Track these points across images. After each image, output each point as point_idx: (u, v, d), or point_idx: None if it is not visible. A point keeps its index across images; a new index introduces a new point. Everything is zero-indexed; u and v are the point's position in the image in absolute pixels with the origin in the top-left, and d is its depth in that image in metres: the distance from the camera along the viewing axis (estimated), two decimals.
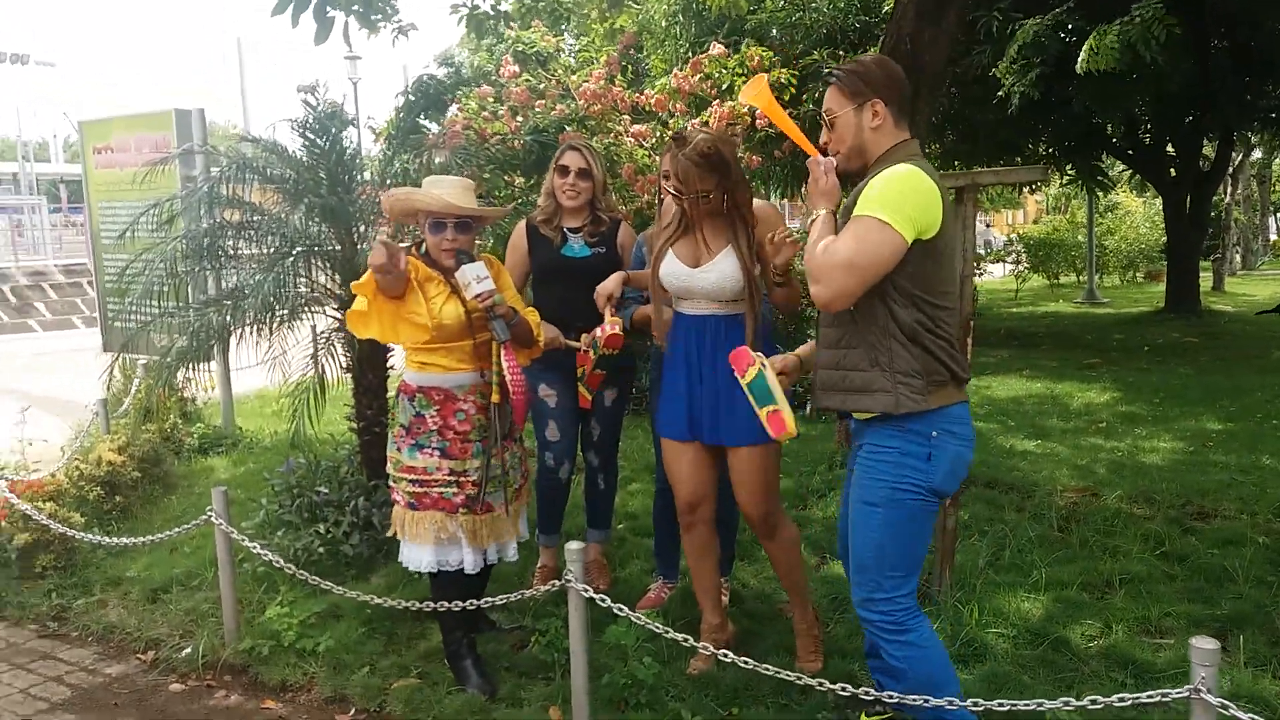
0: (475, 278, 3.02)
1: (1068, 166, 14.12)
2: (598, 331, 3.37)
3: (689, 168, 2.91)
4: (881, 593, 2.46)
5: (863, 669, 3.08)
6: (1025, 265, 20.03)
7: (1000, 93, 8.01)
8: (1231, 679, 2.99)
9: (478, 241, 3.57)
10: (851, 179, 2.58)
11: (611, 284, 3.37)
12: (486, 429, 3.23)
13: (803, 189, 13.42)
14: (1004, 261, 20.64)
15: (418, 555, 3.22)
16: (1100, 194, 16.39)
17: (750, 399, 2.66)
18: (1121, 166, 16.41)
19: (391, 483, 3.31)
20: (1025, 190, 20.87)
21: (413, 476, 3.21)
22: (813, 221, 2.50)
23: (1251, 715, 1.94)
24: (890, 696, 2.43)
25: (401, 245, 3.21)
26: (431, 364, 3.19)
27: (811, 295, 2.38)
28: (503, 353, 3.11)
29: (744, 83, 7.10)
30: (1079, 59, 6.70)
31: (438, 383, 3.19)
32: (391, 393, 3.79)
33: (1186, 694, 2.02)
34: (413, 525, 3.22)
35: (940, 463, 2.42)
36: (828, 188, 2.47)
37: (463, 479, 3.20)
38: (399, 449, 3.24)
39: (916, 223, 2.32)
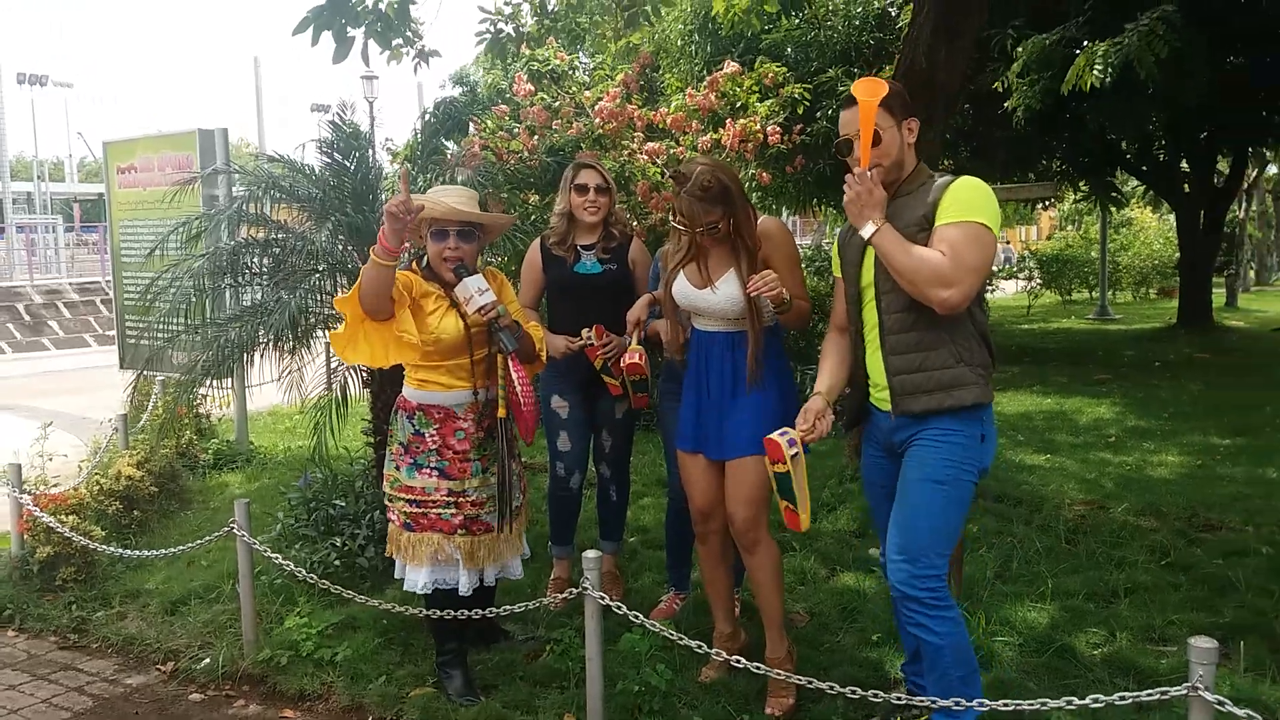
0: (477, 290, 3.01)
1: (1081, 183, 14.17)
2: (621, 360, 3.42)
3: (693, 204, 2.96)
4: (931, 569, 2.57)
5: (870, 677, 3.14)
6: (1038, 281, 20.02)
7: (1007, 104, 8.09)
8: (1232, 684, 3.03)
9: (488, 260, 3.60)
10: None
11: (639, 309, 3.44)
12: (486, 447, 3.23)
13: (814, 206, 13.51)
14: (1016, 278, 20.63)
15: (414, 576, 3.23)
16: (1114, 210, 16.42)
17: (773, 485, 2.81)
18: (1135, 182, 16.44)
19: (388, 501, 3.31)
20: (1039, 206, 20.90)
21: (410, 497, 3.21)
22: (855, 234, 2.62)
23: (1248, 712, 1.99)
24: (933, 702, 2.48)
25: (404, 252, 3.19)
26: (431, 381, 3.18)
27: (936, 300, 2.47)
28: (511, 365, 3.10)
29: (758, 100, 7.24)
30: (1066, 76, 6.77)
31: (438, 401, 3.19)
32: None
33: (1185, 692, 2.07)
34: (409, 546, 3.22)
35: (989, 444, 2.66)
36: (879, 198, 2.56)
37: (461, 499, 3.21)
38: (397, 468, 3.24)
39: (999, 226, 2.54)
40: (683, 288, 3.15)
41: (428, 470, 3.20)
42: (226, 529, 3.70)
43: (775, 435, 2.75)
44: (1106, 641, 3.46)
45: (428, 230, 3.15)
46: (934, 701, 2.46)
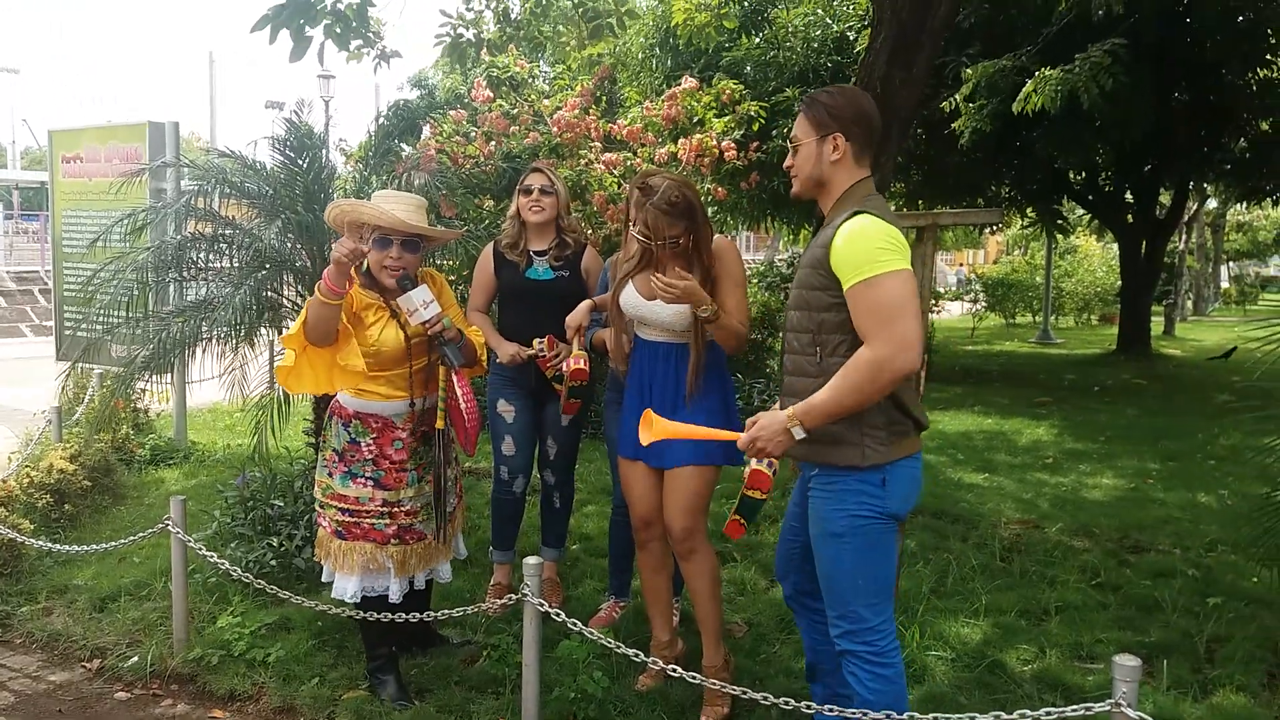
0: (422, 303, 2.95)
1: (1029, 209, 14.48)
2: (564, 364, 3.42)
3: (658, 217, 2.97)
4: (861, 623, 2.46)
5: (805, 688, 3.16)
6: (983, 304, 20.40)
7: (954, 125, 8.24)
8: (1155, 701, 3.11)
9: (437, 263, 3.57)
10: (803, 204, 2.66)
11: (580, 314, 3.43)
12: (422, 456, 3.19)
13: (768, 222, 13.64)
14: (962, 300, 21.00)
15: (343, 584, 3.17)
16: (1059, 237, 16.80)
17: (736, 503, 2.75)
18: (1081, 211, 16.81)
19: (319, 507, 3.25)
20: (987, 231, 21.31)
21: (343, 505, 3.15)
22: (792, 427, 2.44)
23: None
24: (837, 712, 2.49)
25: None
26: (370, 391, 3.11)
27: (903, 376, 2.32)
28: (455, 378, 3.07)
29: (715, 116, 7.31)
30: (1015, 100, 6.93)
31: (376, 410, 3.12)
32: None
33: (1108, 708, 2.12)
34: (340, 555, 3.16)
35: (895, 488, 2.44)
36: (775, 426, 2.41)
37: (396, 509, 3.16)
38: (330, 474, 3.18)
39: (902, 255, 2.37)
40: (631, 297, 3.17)
41: (362, 480, 3.14)
42: (161, 525, 3.64)
43: (763, 467, 2.69)
44: (1036, 658, 3.53)
45: (369, 236, 3.05)
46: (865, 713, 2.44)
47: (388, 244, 3.04)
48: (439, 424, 3.17)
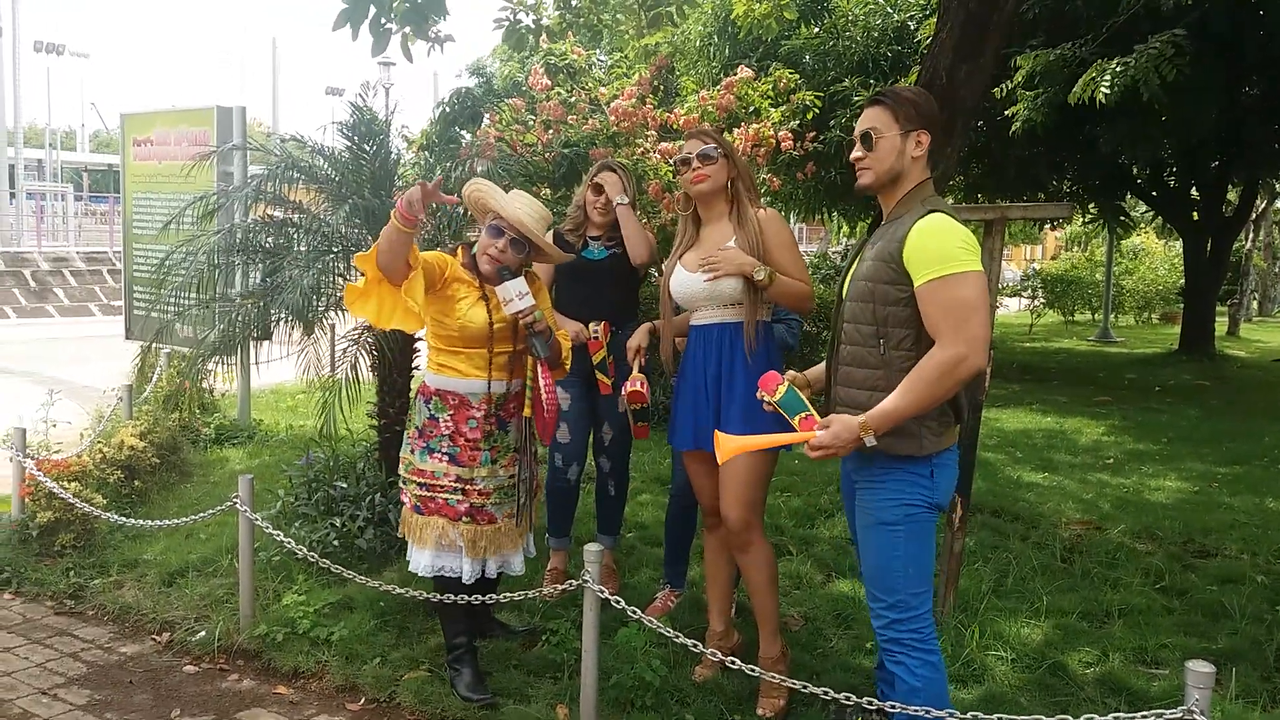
0: (517, 294, 3.03)
1: (1091, 205, 14.20)
2: (624, 386, 3.40)
3: (694, 138, 3.14)
4: (910, 610, 2.52)
5: (863, 683, 3.15)
6: (1041, 301, 20.06)
7: (1007, 112, 8.10)
8: (1223, 710, 3.05)
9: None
10: (863, 197, 2.63)
11: (640, 336, 3.48)
12: (497, 439, 3.26)
13: (823, 213, 13.53)
14: (1020, 296, 20.67)
15: (418, 558, 3.26)
16: (1121, 233, 16.44)
17: (782, 413, 2.63)
18: (1144, 207, 16.44)
19: (402, 484, 3.35)
20: (1046, 226, 20.92)
21: (421, 480, 3.24)
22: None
23: None
24: (893, 707, 2.50)
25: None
26: (449, 367, 3.21)
27: (973, 370, 2.35)
28: (539, 370, 3.14)
29: (771, 105, 7.26)
30: (1072, 91, 6.79)
31: (454, 387, 3.21)
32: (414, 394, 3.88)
33: (1180, 715, 2.09)
34: (417, 529, 3.26)
35: (941, 480, 2.53)
36: (849, 436, 2.41)
37: (468, 487, 3.22)
38: (411, 450, 3.28)
39: (975, 253, 2.41)
40: (680, 276, 3.18)
41: (438, 455, 3.23)
42: (229, 503, 3.72)
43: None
44: (1099, 661, 3.48)
45: (488, 222, 3.19)
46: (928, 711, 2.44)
47: (499, 234, 3.16)
48: (526, 411, 3.24)
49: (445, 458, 3.23)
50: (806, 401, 2.59)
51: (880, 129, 2.52)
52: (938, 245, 2.38)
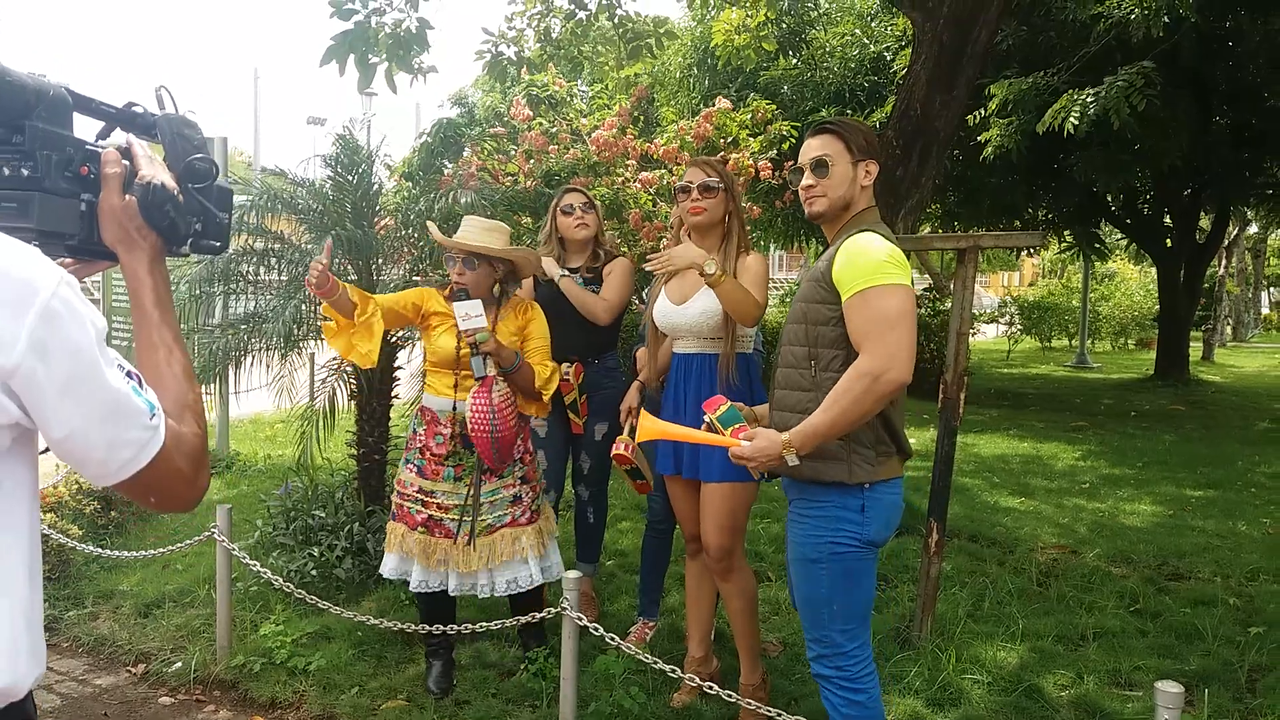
0: (463, 315, 3.17)
1: (1066, 232, 14.39)
2: (613, 449, 3.41)
3: (698, 166, 3.15)
4: (835, 648, 2.47)
5: None
6: (1018, 327, 20.27)
7: (980, 137, 8.23)
8: None
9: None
10: (808, 226, 2.61)
11: (631, 397, 3.56)
12: (463, 459, 3.37)
13: (801, 240, 13.66)
14: (998, 322, 20.88)
15: (386, 560, 3.48)
16: (1097, 260, 16.66)
17: (718, 428, 2.58)
18: (1119, 234, 16.68)
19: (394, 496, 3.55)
20: (1023, 253, 21.16)
21: (399, 488, 3.47)
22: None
23: None
24: None
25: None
26: (430, 385, 3.44)
27: (895, 383, 2.29)
28: (480, 389, 3.21)
29: (749, 135, 7.36)
30: (1041, 120, 6.92)
31: (429, 403, 3.42)
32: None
33: None
34: (388, 532, 3.49)
35: (874, 515, 2.43)
36: (771, 450, 2.38)
37: (428, 499, 3.39)
38: (400, 463, 3.51)
39: (901, 268, 2.39)
40: (662, 305, 3.21)
41: (410, 466, 3.44)
42: (206, 534, 3.71)
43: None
44: (1074, 684, 3.50)
45: (445, 255, 3.43)
46: None
47: (452, 261, 3.37)
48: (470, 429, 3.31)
49: (415, 469, 3.44)
50: (744, 419, 2.58)
51: (833, 156, 2.52)
52: (864, 261, 2.36)
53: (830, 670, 2.47)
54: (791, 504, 2.57)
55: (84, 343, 1.02)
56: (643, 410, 2.76)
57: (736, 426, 2.51)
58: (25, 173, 1.14)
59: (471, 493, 3.35)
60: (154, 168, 1.27)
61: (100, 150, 1.24)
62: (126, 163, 1.26)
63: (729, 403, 2.60)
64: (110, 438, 1.05)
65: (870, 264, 2.35)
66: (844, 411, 2.30)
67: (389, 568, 3.45)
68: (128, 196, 1.24)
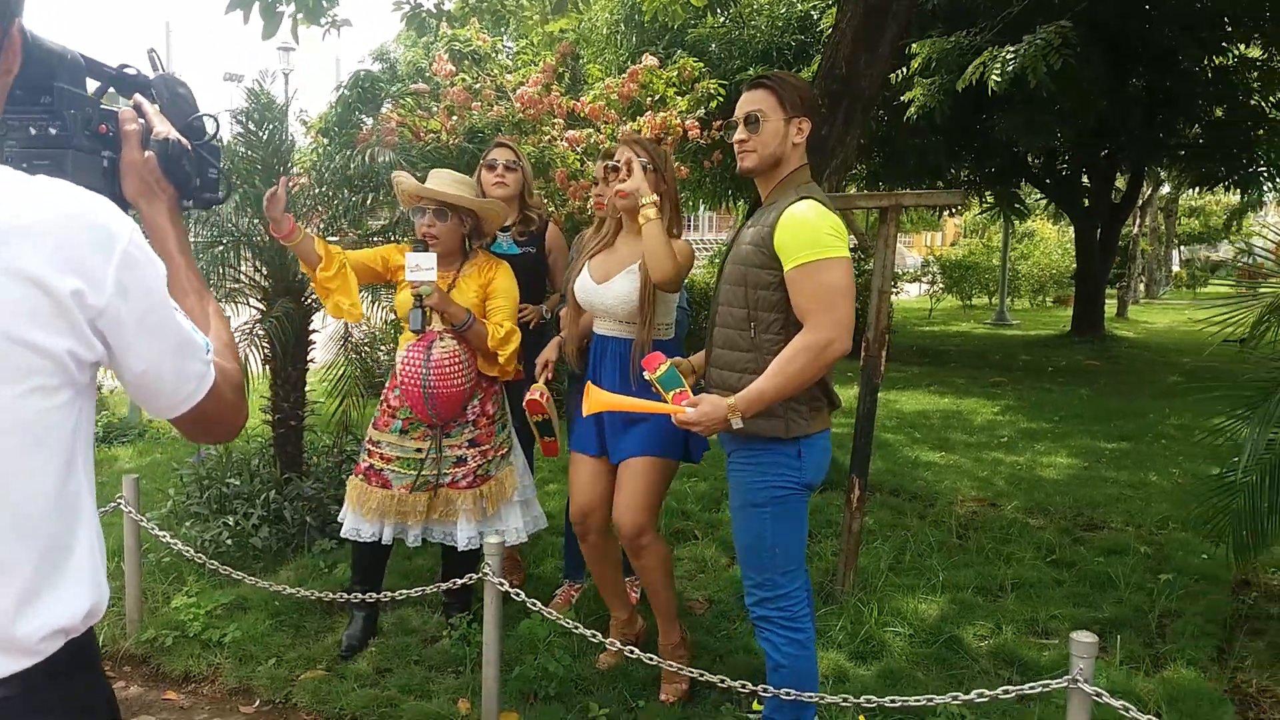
0: (413, 266, 3.11)
1: (987, 193, 14.62)
2: (525, 397, 3.33)
3: (631, 143, 3.01)
4: (777, 589, 2.55)
5: (764, 664, 3.18)
6: (940, 286, 20.61)
7: (904, 97, 8.27)
8: (1108, 676, 3.16)
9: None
10: (739, 179, 2.61)
11: (549, 352, 3.44)
12: (411, 412, 3.34)
13: (729, 201, 13.65)
14: (920, 281, 21.21)
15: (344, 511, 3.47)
16: (1016, 220, 16.98)
17: (659, 390, 2.59)
18: (1039, 195, 17.02)
19: None
20: (945, 213, 21.48)
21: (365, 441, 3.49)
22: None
23: (1124, 703, 2.09)
24: (787, 693, 2.53)
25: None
26: (400, 341, 3.41)
27: (838, 353, 2.39)
28: (411, 341, 3.22)
29: (676, 93, 7.28)
30: (962, 76, 6.98)
31: (398, 356, 3.38)
32: None
33: (1065, 684, 2.15)
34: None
35: (809, 460, 2.54)
36: (716, 415, 2.43)
37: (373, 448, 3.39)
38: None
39: (840, 239, 2.42)
40: (584, 282, 3.13)
41: (374, 417, 3.47)
42: (113, 505, 3.56)
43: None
44: (993, 634, 3.58)
45: (410, 209, 3.37)
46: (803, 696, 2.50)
47: (421, 213, 3.30)
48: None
49: (374, 419, 3.42)
50: (684, 381, 2.59)
51: (766, 112, 2.51)
52: (807, 231, 2.39)
53: (772, 611, 2.56)
54: (731, 455, 2.64)
55: (156, 284, 1.11)
56: (589, 383, 2.71)
57: (678, 390, 2.55)
58: (54, 132, 1.22)
59: (434, 446, 3.33)
60: (166, 124, 1.35)
61: (115, 110, 1.31)
62: (141, 120, 1.34)
63: (668, 361, 2.60)
64: (179, 370, 1.15)
65: (812, 235, 2.39)
66: (789, 379, 2.38)
67: (345, 514, 3.44)
68: (146, 152, 1.32)
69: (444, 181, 3.34)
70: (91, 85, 1.34)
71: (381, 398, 3.45)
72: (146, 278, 1.09)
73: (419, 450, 3.34)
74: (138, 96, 1.38)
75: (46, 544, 1.07)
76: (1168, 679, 3.23)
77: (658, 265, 2.85)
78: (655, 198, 2.86)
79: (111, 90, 1.39)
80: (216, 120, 1.44)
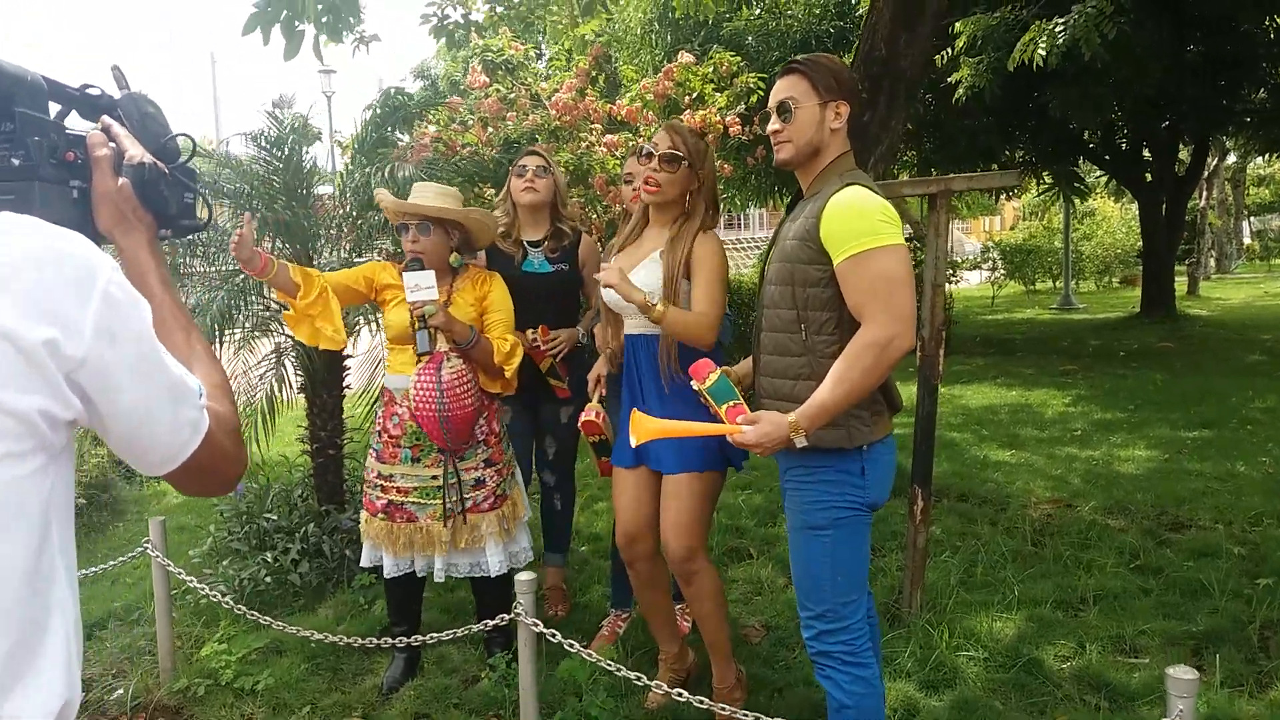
0: (412, 285, 2.96)
1: (1045, 173, 14.12)
2: (580, 417, 3.16)
3: (670, 131, 2.81)
4: (839, 621, 2.32)
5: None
6: (1001, 272, 20.04)
7: (950, 79, 7.93)
8: (1208, 701, 2.86)
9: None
10: (784, 175, 2.42)
11: (600, 367, 3.24)
12: (419, 438, 3.17)
13: (777, 197, 13.35)
14: (980, 268, 20.66)
15: (364, 550, 3.34)
16: (1077, 200, 16.40)
17: (710, 403, 2.41)
18: (1098, 172, 16.42)
19: None
20: (1002, 197, 20.90)
21: (365, 475, 3.32)
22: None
23: None
24: None
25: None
26: (390, 364, 3.26)
27: (903, 349, 2.16)
28: (421, 362, 3.05)
29: (714, 89, 7.05)
30: (1011, 55, 6.62)
31: (388, 383, 3.25)
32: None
33: None
34: (362, 521, 3.34)
35: (874, 476, 2.32)
36: (778, 435, 2.19)
37: (387, 484, 3.20)
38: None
39: (894, 225, 2.20)
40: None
41: (373, 451, 3.27)
42: (140, 549, 3.45)
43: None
44: (1076, 654, 3.29)
45: (396, 225, 3.22)
46: None
47: (405, 229, 3.15)
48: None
49: (374, 453, 3.26)
50: (737, 391, 2.38)
51: (799, 99, 2.31)
52: (856, 219, 2.17)
53: (833, 645, 2.33)
54: (787, 473, 2.40)
55: (143, 326, 1.00)
56: (636, 411, 2.46)
57: (732, 404, 2.33)
58: (16, 162, 1.09)
59: (450, 470, 3.16)
60: (138, 148, 1.23)
61: (83, 135, 1.19)
62: (112, 144, 1.21)
63: (718, 370, 2.40)
64: (173, 420, 1.03)
65: (863, 224, 2.17)
66: (855, 385, 2.16)
67: (365, 556, 3.33)
68: (120, 179, 1.20)
69: (426, 195, 3.19)
70: (53, 109, 1.20)
71: (377, 428, 3.26)
72: (130, 320, 0.98)
73: (434, 477, 3.17)
74: (106, 118, 1.24)
75: (16, 636, 0.93)
76: (1276, 701, 2.91)
77: (690, 337, 2.73)
78: (646, 298, 2.67)
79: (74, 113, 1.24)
80: (192, 140, 1.33)
